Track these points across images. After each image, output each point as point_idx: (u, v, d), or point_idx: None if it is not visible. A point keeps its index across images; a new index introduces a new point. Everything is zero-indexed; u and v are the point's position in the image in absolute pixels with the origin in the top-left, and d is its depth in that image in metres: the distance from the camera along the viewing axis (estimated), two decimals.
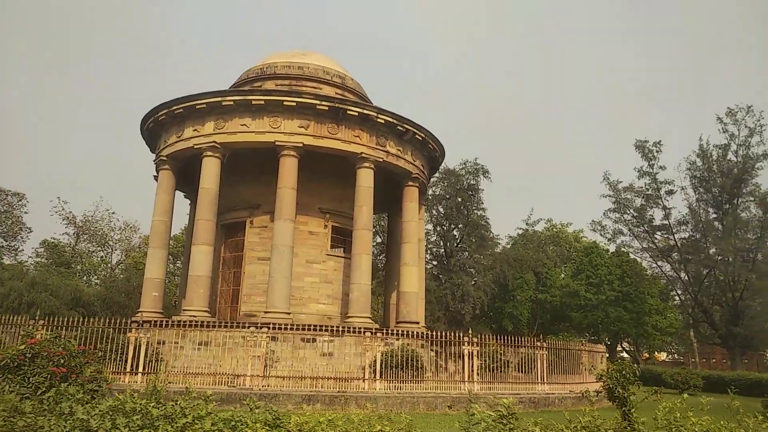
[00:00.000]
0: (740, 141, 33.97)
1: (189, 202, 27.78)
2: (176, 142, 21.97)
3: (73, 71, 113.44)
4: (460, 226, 43.90)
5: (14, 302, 32.54)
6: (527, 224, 53.31)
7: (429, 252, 43.28)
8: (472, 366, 15.44)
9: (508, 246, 51.15)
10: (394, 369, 15.11)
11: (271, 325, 17.84)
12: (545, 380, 16.66)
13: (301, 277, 21.58)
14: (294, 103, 20.34)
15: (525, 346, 16.72)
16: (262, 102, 20.36)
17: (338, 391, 14.10)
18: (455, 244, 44.62)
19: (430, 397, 14.59)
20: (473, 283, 42.96)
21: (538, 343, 17.12)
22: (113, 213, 53.07)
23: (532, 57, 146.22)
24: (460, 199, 42.94)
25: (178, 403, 4.65)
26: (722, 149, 34.53)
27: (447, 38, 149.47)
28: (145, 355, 14.61)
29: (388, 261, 29.21)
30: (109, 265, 55.02)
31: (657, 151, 36.73)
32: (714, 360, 66.83)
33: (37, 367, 7.86)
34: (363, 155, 21.33)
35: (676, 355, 79.65)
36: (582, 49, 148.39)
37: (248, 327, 18.54)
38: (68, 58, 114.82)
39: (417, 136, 22.83)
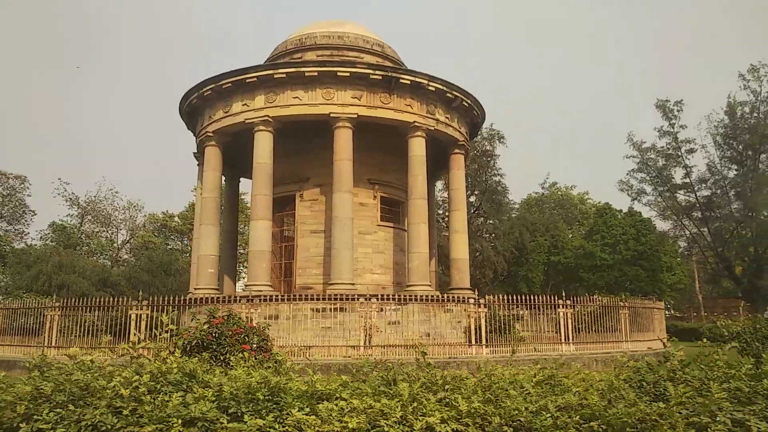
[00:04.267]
0: (762, 97, 34.48)
1: (224, 178, 27.46)
2: (223, 117, 21.61)
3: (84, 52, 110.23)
4: (477, 192, 44.11)
5: (44, 284, 32.33)
6: (543, 188, 53.82)
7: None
8: (568, 327, 15.81)
9: (520, 210, 51.69)
10: (492, 334, 15.39)
11: (341, 296, 18.11)
12: (628, 338, 17.13)
13: (355, 248, 21.57)
14: (348, 74, 20.05)
15: (607, 306, 17.11)
16: (316, 73, 20.03)
17: (449, 357, 14.36)
18: (473, 211, 44.91)
19: (532, 359, 14.92)
20: (492, 246, 43.47)
21: (621, 303, 17.54)
22: (116, 192, 52.03)
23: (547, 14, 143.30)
24: (476, 166, 43.06)
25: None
26: (750, 106, 35.03)
27: None
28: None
29: None
30: (115, 244, 54.39)
31: (678, 110, 37.12)
32: (716, 313, 68.63)
33: (225, 345, 7.91)
34: (415, 124, 21.19)
35: (672, 311, 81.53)
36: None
37: (312, 299, 18.72)
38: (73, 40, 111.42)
39: (464, 102, 22.71)
